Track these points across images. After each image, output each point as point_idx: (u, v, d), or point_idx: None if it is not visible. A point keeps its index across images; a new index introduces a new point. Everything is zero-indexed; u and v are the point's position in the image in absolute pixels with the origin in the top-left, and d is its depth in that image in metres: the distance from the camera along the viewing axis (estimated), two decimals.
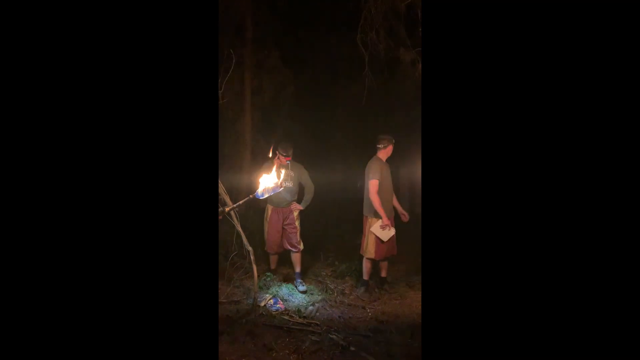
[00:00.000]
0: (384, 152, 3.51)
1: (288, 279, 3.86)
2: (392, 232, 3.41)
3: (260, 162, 4.04)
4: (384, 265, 3.64)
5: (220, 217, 2.15)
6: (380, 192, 3.39)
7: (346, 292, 3.61)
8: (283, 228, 3.77)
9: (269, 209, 3.80)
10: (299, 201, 3.82)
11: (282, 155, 3.59)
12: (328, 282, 3.85)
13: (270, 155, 3.43)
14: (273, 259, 3.96)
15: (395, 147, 3.61)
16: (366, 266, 3.58)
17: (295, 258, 3.79)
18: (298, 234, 3.77)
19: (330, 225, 5.53)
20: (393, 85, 5.25)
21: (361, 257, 3.63)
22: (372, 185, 3.37)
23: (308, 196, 3.78)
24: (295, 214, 3.78)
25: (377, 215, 3.39)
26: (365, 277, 3.60)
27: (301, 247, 3.79)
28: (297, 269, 3.79)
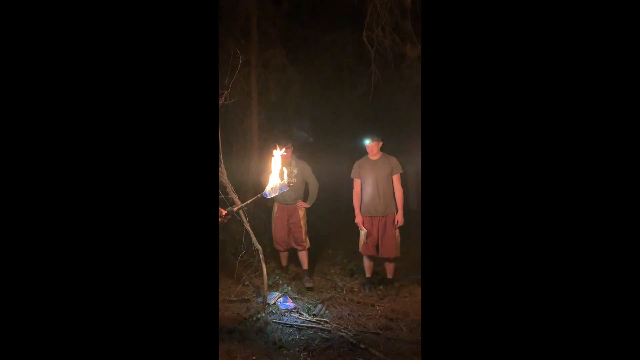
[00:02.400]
0: (369, 151, 3.54)
1: (297, 277, 3.88)
2: (362, 232, 3.50)
3: (267, 161, 4.05)
4: (389, 267, 3.61)
5: (229, 217, 2.17)
6: (363, 191, 3.52)
7: (355, 289, 3.61)
8: (288, 226, 3.79)
9: (275, 206, 3.83)
10: (305, 199, 3.82)
11: (280, 149, 3.60)
12: (337, 279, 3.85)
13: (274, 153, 3.44)
14: (283, 256, 3.99)
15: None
16: (364, 264, 3.63)
17: (302, 256, 3.80)
18: (303, 232, 3.76)
19: (338, 223, 5.53)
20: (400, 81, 5.21)
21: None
22: (354, 184, 3.56)
23: (313, 194, 3.77)
24: (301, 212, 3.78)
25: (362, 213, 3.51)
26: (367, 274, 3.63)
27: (307, 245, 3.78)
28: (305, 267, 3.80)
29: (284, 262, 4.01)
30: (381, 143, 3.54)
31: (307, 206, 3.79)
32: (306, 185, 3.81)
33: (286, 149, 3.62)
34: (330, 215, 5.44)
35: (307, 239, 3.82)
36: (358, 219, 3.53)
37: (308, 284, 3.64)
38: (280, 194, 3.60)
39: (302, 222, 3.78)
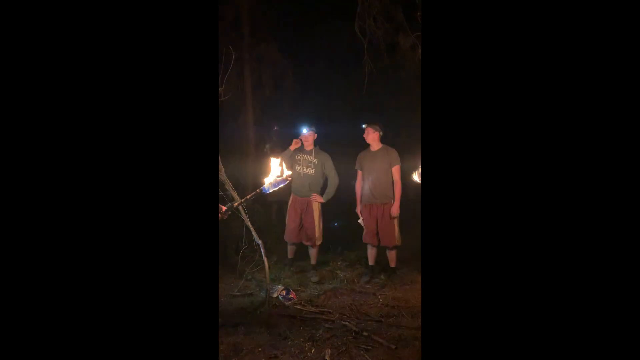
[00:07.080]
0: (365, 138, 3.62)
1: (301, 270, 3.90)
2: (359, 220, 3.65)
3: (264, 155, 4.06)
4: (392, 256, 3.65)
5: (228, 212, 2.18)
6: (363, 181, 3.63)
7: (356, 280, 3.66)
8: (301, 220, 3.69)
9: (291, 196, 3.74)
10: (322, 192, 3.68)
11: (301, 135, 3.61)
12: (338, 271, 3.89)
13: (266, 147, 3.45)
14: (291, 249, 3.87)
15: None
16: (368, 252, 3.72)
17: (312, 252, 3.76)
18: (317, 230, 3.62)
19: (335, 215, 5.54)
20: (393, 71, 5.20)
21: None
22: (357, 175, 3.69)
23: (330, 189, 3.63)
24: (315, 207, 3.63)
25: (362, 201, 3.65)
26: (370, 262, 3.72)
27: (319, 242, 3.68)
28: (312, 262, 3.78)
29: (291, 255, 3.88)
30: (377, 133, 3.56)
31: (322, 201, 3.64)
32: (326, 179, 3.69)
33: (308, 135, 3.60)
34: (326, 207, 5.46)
35: (321, 236, 3.68)
36: (358, 209, 3.68)
37: (314, 278, 3.63)
38: (295, 184, 3.60)
39: (317, 220, 3.62)
